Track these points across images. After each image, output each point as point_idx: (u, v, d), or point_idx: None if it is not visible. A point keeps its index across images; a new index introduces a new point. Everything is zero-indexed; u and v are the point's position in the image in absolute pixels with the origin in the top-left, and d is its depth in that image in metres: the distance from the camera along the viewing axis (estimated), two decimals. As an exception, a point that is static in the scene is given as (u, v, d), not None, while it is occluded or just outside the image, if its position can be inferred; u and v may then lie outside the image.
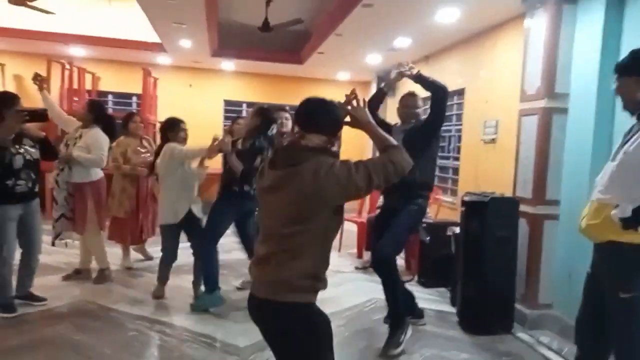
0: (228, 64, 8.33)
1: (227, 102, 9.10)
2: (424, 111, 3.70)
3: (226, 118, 8.91)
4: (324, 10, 5.82)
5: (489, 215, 3.59)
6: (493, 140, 4.79)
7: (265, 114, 3.75)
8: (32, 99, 6.65)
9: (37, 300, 3.70)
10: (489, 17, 4.56)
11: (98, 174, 4.25)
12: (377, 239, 3.27)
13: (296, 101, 6.10)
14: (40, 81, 4.17)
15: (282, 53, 7.44)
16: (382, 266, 3.18)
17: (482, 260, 3.63)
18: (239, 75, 9.00)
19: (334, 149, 1.80)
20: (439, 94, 3.31)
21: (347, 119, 1.82)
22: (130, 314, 3.64)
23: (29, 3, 5.02)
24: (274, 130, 3.76)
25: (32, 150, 3.50)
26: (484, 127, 4.93)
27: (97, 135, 4.14)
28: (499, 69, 4.76)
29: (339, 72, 8.51)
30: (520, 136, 3.89)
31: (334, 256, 5.69)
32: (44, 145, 3.63)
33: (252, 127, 3.76)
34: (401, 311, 3.30)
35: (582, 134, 3.46)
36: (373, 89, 8.60)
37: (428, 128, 3.37)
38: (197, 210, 4.03)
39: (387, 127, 3.02)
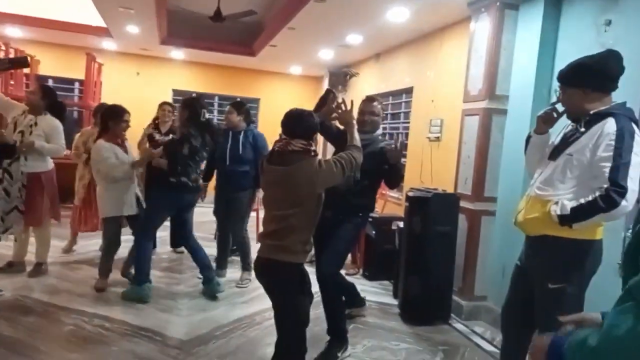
0: (177, 53, 8.12)
1: (176, 92, 8.87)
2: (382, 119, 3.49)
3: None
4: (277, 2, 5.80)
5: (431, 211, 3.72)
6: (438, 139, 4.95)
7: (190, 105, 3.86)
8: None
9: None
10: (436, 18, 4.70)
11: (51, 163, 4.12)
12: (317, 252, 3.10)
13: (249, 93, 6.28)
14: None
15: (234, 44, 7.34)
16: (325, 283, 3.02)
17: (424, 254, 3.77)
18: (189, 64, 8.81)
19: (313, 148, 2.33)
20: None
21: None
22: (67, 307, 3.50)
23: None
24: (205, 115, 3.86)
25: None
26: (429, 125, 5.09)
27: (55, 124, 4.01)
28: (444, 70, 4.92)
29: (291, 66, 8.50)
30: (463, 135, 4.05)
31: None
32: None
33: (182, 120, 3.86)
34: (343, 327, 3.16)
35: (519, 135, 3.61)
36: (325, 85, 8.66)
37: (383, 174, 3.18)
38: (141, 197, 4.09)
39: (338, 132, 2.96)
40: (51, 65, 8.06)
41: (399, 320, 3.83)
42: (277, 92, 9.26)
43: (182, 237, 4.08)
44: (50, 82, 8.17)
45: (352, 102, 2.55)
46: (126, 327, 3.25)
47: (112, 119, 3.85)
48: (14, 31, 7.20)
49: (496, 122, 3.81)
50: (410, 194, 3.92)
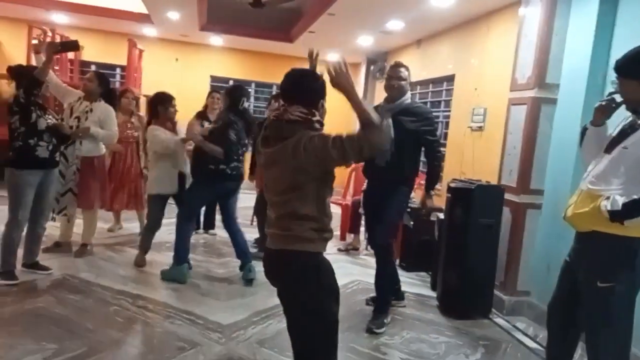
0: (216, 39, 8.16)
1: (214, 78, 8.96)
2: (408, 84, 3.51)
3: (212, 94, 8.77)
4: (316, -12, 5.73)
5: (474, 203, 3.62)
6: (480, 128, 4.81)
7: (231, 92, 3.97)
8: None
9: (42, 269, 3.76)
10: (483, 3, 4.54)
11: (103, 148, 4.27)
12: (368, 223, 3.34)
13: (283, 80, 5.75)
14: (36, 45, 4.21)
15: (271, 31, 7.32)
16: (381, 253, 3.30)
17: (465, 247, 3.68)
18: (227, 51, 8.85)
19: (316, 118, 1.85)
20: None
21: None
22: (112, 288, 3.60)
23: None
24: (244, 104, 3.95)
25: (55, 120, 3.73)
26: (472, 114, 4.95)
27: (109, 111, 4.16)
28: (489, 57, 4.77)
29: (329, 53, 8.39)
30: (509, 125, 3.91)
31: None
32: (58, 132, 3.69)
33: (223, 108, 3.98)
34: (389, 298, 3.38)
35: (570, 126, 3.49)
36: (362, 71, 8.56)
37: (421, 139, 3.35)
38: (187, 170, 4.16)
39: None
40: (94, 51, 8.25)
41: (437, 313, 3.77)
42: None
43: (223, 221, 4.14)
44: (93, 68, 8.40)
45: (345, 63, 1.80)
46: (169, 310, 3.32)
47: (160, 105, 4.02)
48: (59, 17, 7.39)
49: (545, 111, 3.66)
50: (452, 185, 3.82)
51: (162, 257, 4.27)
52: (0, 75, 5.83)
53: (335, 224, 5.91)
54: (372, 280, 4.30)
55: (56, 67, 7.22)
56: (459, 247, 3.72)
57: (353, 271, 4.63)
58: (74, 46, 3.94)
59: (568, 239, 3.44)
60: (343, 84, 1.74)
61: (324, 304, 1.81)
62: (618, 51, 3.26)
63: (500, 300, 3.83)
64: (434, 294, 4.09)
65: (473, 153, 4.89)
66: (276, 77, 9.39)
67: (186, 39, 8.24)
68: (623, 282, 2.02)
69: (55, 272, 3.81)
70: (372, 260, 4.90)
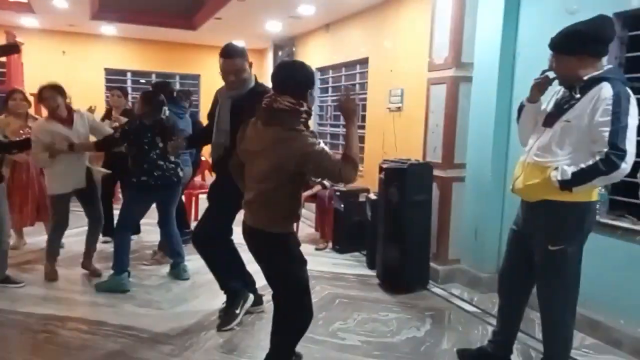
0: (109, 29, 7.51)
1: (109, 71, 8.28)
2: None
3: (108, 88, 8.10)
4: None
5: (408, 181, 3.76)
6: (399, 109, 4.99)
7: (152, 99, 3.65)
8: None
9: (14, 283, 3.64)
10: (394, -14, 4.65)
11: None
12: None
13: (188, 70, 5.98)
14: None
15: (172, 17, 6.90)
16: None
17: (401, 224, 3.82)
18: (122, 41, 8.20)
19: (304, 109, 2.02)
20: None
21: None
22: (34, 314, 3.21)
23: None
24: (166, 112, 3.69)
25: None
26: (389, 95, 5.11)
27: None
28: (403, 39, 4.92)
29: (233, 39, 8.12)
30: (430, 104, 4.09)
31: None
32: None
33: (140, 113, 3.68)
34: (231, 287, 3.19)
35: (485, 101, 3.74)
36: (269, 57, 8.43)
37: None
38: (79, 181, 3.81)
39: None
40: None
41: (380, 291, 3.89)
42: (218, 68, 8.87)
43: (158, 221, 3.97)
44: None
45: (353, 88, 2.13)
46: (106, 328, 3.04)
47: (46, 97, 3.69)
48: None
49: (463, 89, 3.87)
50: (385, 165, 3.93)
51: (79, 271, 3.95)
52: None
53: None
54: (309, 265, 4.34)
55: None
56: (396, 225, 3.85)
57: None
58: (14, 49, 3.38)
59: (491, 207, 3.76)
60: (350, 110, 2.00)
61: (293, 269, 2.22)
62: (525, 29, 3.55)
63: (435, 271, 4.04)
64: (373, 273, 4.22)
65: (394, 133, 5.05)
66: (178, 66, 9.00)
67: (74, 29, 7.48)
68: (573, 243, 2.22)
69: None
70: (304, 247, 4.96)
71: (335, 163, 1.94)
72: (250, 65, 2.94)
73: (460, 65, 3.83)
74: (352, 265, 4.54)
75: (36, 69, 7.34)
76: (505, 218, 3.71)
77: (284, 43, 7.73)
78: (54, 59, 7.74)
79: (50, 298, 3.50)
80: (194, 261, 4.42)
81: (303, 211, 5.61)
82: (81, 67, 7.85)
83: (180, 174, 3.80)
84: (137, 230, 4.89)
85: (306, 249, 4.78)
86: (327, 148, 2.16)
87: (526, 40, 3.53)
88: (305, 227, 5.75)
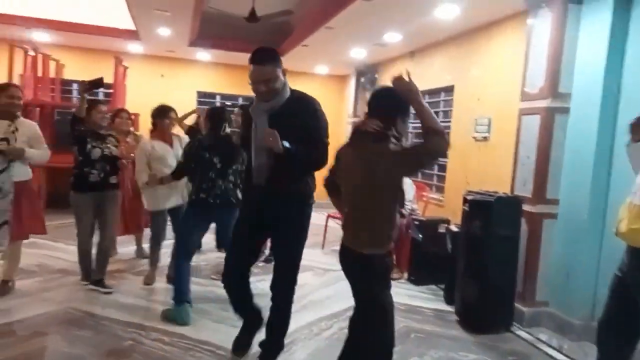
0: (203, 54, 8.02)
1: (201, 94, 8.79)
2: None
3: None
4: (310, 1, 5.66)
5: (493, 214, 3.58)
6: (485, 139, 4.80)
7: (212, 117, 3.57)
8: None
9: (104, 287, 3.91)
10: (486, 14, 4.54)
11: (30, 172, 3.74)
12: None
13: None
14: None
15: (261, 45, 7.19)
16: None
17: (484, 259, 3.63)
18: (213, 66, 8.70)
19: (391, 133, 2.05)
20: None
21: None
22: (120, 320, 3.40)
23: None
24: (226, 129, 3.57)
25: (113, 148, 3.91)
26: (475, 124, 4.94)
27: (36, 128, 3.73)
28: (492, 67, 4.77)
29: (318, 66, 8.37)
30: (520, 135, 3.89)
31: (318, 254, 5.60)
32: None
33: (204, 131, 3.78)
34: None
35: (585, 134, 3.50)
36: (351, 84, 8.53)
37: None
38: (175, 200, 4.03)
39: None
40: (75, 69, 7.97)
41: (458, 329, 3.69)
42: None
43: (217, 247, 4.13)
44: (74, 86, 8.14)
45: (407, 72, 2.04)
46: (186, 341, 3.14)
47: (157, 117, 3.98)
48: (40, 35, 7.13)
49: (558, 121, 3.65)
50: (470, 197, 3.77)
51: (160, 286, 4.14)
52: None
53: (335, 238, 5.83)
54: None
55: (39, 86, 7.00)
56: (478, 260, 3.67)
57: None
58: (100, 83, 3.73)
59: (587, 247, 3.46)
60: (405, 88, 2.01)
61: (387, 296, 2.31)
62: (632, 59, 3.30)
63: (520, 312, 3.78)
64: (450, 309, 4.02)
65: (479, 163, 4.86)
66: (265, 91, 9.36)
67: (172, 54, 8.06)
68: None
69: (54, 305, 3.59)
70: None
71: (424, 144, 1.97)
72: (284, 72, 2.63)
73: (557, 96, 3.62)
74: (428, 298, 4.36)
75: (138, 90, 7.99)
76: (603, 260, 3.41)
77: (367, 70, 7.79)
78: (153, 81, 8.36)
79: (137, 307, 3.68)
80: (268, 281, 4.50)
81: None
82: (176, 89, 8.40)
83: (239, 195, 3.58)
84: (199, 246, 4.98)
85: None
86: None
87: (634, 71, 3.27)
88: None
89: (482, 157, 4.84)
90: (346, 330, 3.42)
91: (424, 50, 6.15)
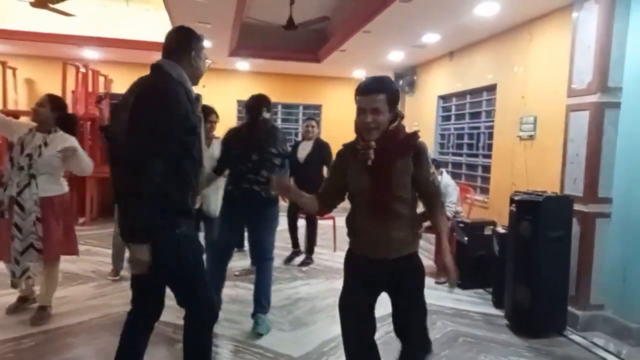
0: (243, 64, 8.19)
1: (241, 103, 8.96)
2: None
3: (239, 118, 8.78)
4: (348, 6, 5.70)
5: (542, 215, 3.48)
6: (531, 137, 4.67)
7: (248, 106, 3.45)
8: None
9: None
10: (527, 10, 4.43)
11: (65, 186, 3.50)
12: None
13: (311, 100, 6.10)
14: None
15: (299, 52, 7.31)
16: None
17: (535, 261, 3.52)
18: (253, 75, 8.87)
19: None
20: None
21: None
22: (171, 323, 3.49)
23: (50, 5, 4.87)
24: (264, 113, 3.41)
25: None
26: (520, 123, 4.81)
27: (70, 141, 3.39)
28: (536, 63, 4.64)
29: (355, 70, 8.39)
30: (569, 132, 3.77)
31: (332, 255, 5.46)
32: None
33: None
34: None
35: (637, 129, 3.35)
36: (390, 87, 8.48)
37: None
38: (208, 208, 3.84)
39: None
40: (122, 83, 8.31)
41: (509, 333, 3.59)
42: (339, 98, 9.18)
43: (250, 251, 3.91)
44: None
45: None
46: (235, 343, 3.21)
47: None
48: (90, 53, 7.49)
49: (609, 116, 3.52)
50: (517, 197, 3.68)
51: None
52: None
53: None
54: (429, 299, 4.18)
55: (90, 101, 7.34)
56: (528, 262, 3.56)
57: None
58: (102, 98, 3.94)
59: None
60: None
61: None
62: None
63: (574, 316, 3.65)
64: (500, 312, 3.93)
65: (525, 163, 4.73)
66: (302, 97, 9.45)
67: (213, 65, 8.25)
68: None
69: (110, 309, 3.74)
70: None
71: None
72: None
73: (607, 90, 3.49)
74: (476, 302, 4.27)
75: (180, 101, 8.24)
76: (664, 262, 3.24)
77: (405, 72, 7.74)
78: (196, 91, 8.59)
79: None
80: (313, 285, 4.55)
81: (422, 243, 5.51)
82: (217, 99, 8.53)
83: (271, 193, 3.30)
84: (241, 245, 5.12)
85: (426, 282, 4.65)
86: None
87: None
88: (424, 259, 5.57)
89: (528, 157, 4.71)
90: (392, 334, 3.42)
91: (463, 49, 6.05)
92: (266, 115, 3.39)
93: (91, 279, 4.47)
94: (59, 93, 7.20)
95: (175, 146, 1.93)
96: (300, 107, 9.36)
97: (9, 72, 7.55)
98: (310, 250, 5.38)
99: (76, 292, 4.08)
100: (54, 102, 3.41)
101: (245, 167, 3.26)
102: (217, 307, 2.45)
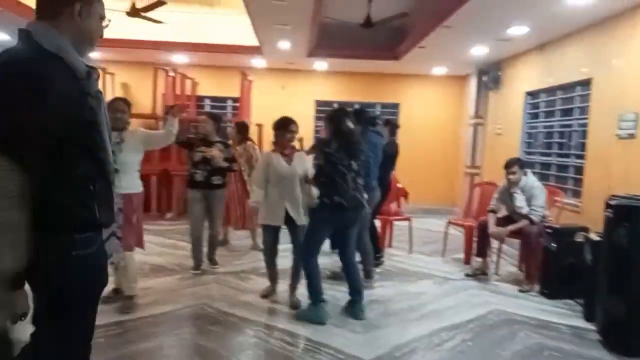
0: (321, 64, 8.26)
1: (319, 102, 9.05)
2: None
3: (317, 118, 8.87)
4: (426, 1, 5.53)
5: (644, 222, 3.13)
6: (631, 136, 4.23)
7: (331, 118, 3.72)
8: (137, 106, 7.01)
9: (215, 264, 4.84)
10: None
11: (140, 186, 3.77)
12: None
13: (387, 99, 6.05)
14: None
15: (377, 50, 7.22)
16: None
17: (632, 272, 3.19)
18: (331, 74, 8.92)
19: None
20: None
21: None
22: (247, 319, 3.61)
23: (142, 14, 5.22)
24: (346, 123, 3.64)
25: (216, 152, 4.45)
26: (618, 120, 4.39)
27: (142, 131, 3.86)
28: (636, 56, 4.20)
29: (435, 67, 8.14)
30: (677, 130, 3.37)
31: (438, 262, 5.38)
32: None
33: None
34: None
35: None
36: (472, 84, 8.15)
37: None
38: (296, 215, 3.79)
39: None
40: (208, 85, 8.76)
41: (601, 349, 3.29)
42: (417, 96, 8.96)
43: (339, 252, 3.90)
44: (207, 102, 8.92)
45: None
46: (307, 343, 3.22)
47: (277, 130, 3.86)
48: (179, 57, 7.94)
49: None
50: (614, 202, 3.35)
51: (283, 286, 4.14)
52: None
53: (459, 247, 5.59)
54: (512, 308, 3.95)
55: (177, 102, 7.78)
56: (625, 273, 3.23)
57: (488, 299, 4.25)
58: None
59: None
60: None
61: None
62: None
63: (680, 335, 3.24)
64: (591, 326, 3.60)
65: (623, 164, 4.30)
66: (379, 96, 9.37)
67: (292, 66, 8.44)
68: None
69: (191, 301, 3.93)
70: (505, 286, 4.55)
71: None
72: None
73: None
74: (564, 314, 3.96)
75: (261, 102, 8.50)
76: None
77: (489, 67, 7.37)
78: (274, 93, 8.82)
79: (261, 307, 3.88)
80: (387, 288, 4.48)
81: (505, 247, 5.22)
82: (295, 99, 8.77)
83: (365, 197, 3.73)
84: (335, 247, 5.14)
85: (509, 290, 4.39)
86: None
87: None
88: (507, 264, 5.29)
89: (627, 157, 4.28)
90: (469, 343, 3.28)
91: (554, 42, 5.63)
92: (350, 125, 3.62)
93: (175, 271, 4.73)
94: (150, 96, 7.74)
95: (45, 147, 1.41)
96: (378, 106, 9.25)
97: (108, 77, 8.21)
98: (378, 250, 5.18)
99: (161, 283, 4.34)
100: (127, 104, 3.76)
101: (350, 176, 3.55)
102: None
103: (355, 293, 3.73)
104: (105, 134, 1.58)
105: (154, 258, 5.07)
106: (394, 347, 3.19)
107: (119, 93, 8.33)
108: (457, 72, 8.34)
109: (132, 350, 3.05)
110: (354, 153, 3.59)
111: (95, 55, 7.85)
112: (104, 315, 3.51)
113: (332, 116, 3.73)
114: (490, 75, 7.33)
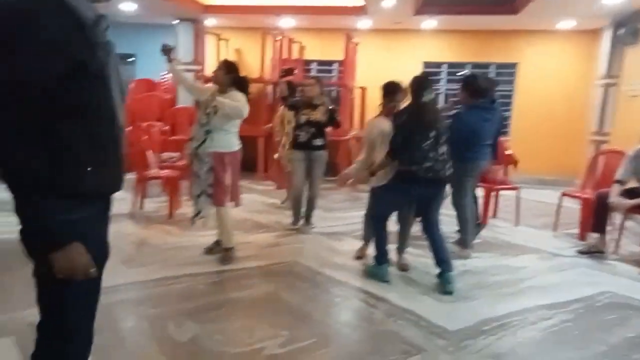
0: (429, 23, 7.82)
1: (427, 64, 8.62)
2: None
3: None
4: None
5: None
6: None
7: (411, 86, 3.52)
8: (249, 70, 7.31)
9: (311, 225, 4.96)
10: None
11: (236, 144, 3.88)
12: None
13: (504, 58, 5.62)
14: (168, 52, 3.92)
15: (493, 3, 6.63)
16: None
17: None
18: (440, 33, 8.42)
19: None
20: None
21: None
22: (334, 279, 3.67)
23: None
24: (426, 96, 3.42)
25: (320, 115, 4.65)
26: None
27: (239, 96, 3.73)
28: None
29: (561, 21, 7.27)
30: None
31: (548, 236, 4.91)
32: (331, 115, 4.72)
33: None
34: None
35: None
36: (606, 39, 7.17)
37: None
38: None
39: None
40: (313, 49, 8.79)
41: None
42: (539, 54, 8.12)
43: (422, 226, 3.75)
44: (314, 65, 8.99)
45: None
46: (390, 307, 3.20)
47: (385, 96, 3.79)
48: (286, 21, 8.06)
49: None
50: None
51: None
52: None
53: (574, 221, 5.07)
54: (628, 292, 3.56)
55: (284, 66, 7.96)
56: None
57: (600, 279, 3.84)
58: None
59: None
60: None
61: None
62: None
63: None
64: None
65: None
66: (494, 55, 8.68)
67: (398, 26, 8.11)
68: None
69: (285, 257, 4.09)
70: (624, 267, 4.07)
71: None
72: None
73: None
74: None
75: (366, 65, 8.35)
76: None
77: (626, 19, 6.40)
78: (380, 55, 8.60)
79: (347, 267, 3.92)
80: (484, 259, 4.26)
81: (630, 224, 4.65)
82: (402, 61, 8.44)
83: (450, 171, 3.50)
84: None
85: (628, 272, 3.98)
86: None
87: None
88: (630, 244, 4.71)
89: None
90: (569, 324, 3.02)
91: None
92: (430, 95, 3.46)
93: (273, 228, 4.97)
94: (258, 60, 8.01)
95: (42, 94, 1.21)
96: (493, 67, 8.56)
97: (222, 43, 8.65)
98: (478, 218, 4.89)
99: (259, 239, 4.58)
100: (227, 66, 3.83)
101: (428, 147, 3.39)
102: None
103: (442, 264, 3.59)
104: (115, 89, 1.39)
105: (255, 215, 5.38)
106: (482, 320, 3.04)
107: (233, 58, 8.75)
108: (587, 25, 7.37)
109: (223, 298, 3.29)
110: (431, 124, 3.41)
111: (211, 21, 8.29)
112: (206, 265, 3.85)
113: (412, 85, 3.51)
114: (628, 28, 6.36)
